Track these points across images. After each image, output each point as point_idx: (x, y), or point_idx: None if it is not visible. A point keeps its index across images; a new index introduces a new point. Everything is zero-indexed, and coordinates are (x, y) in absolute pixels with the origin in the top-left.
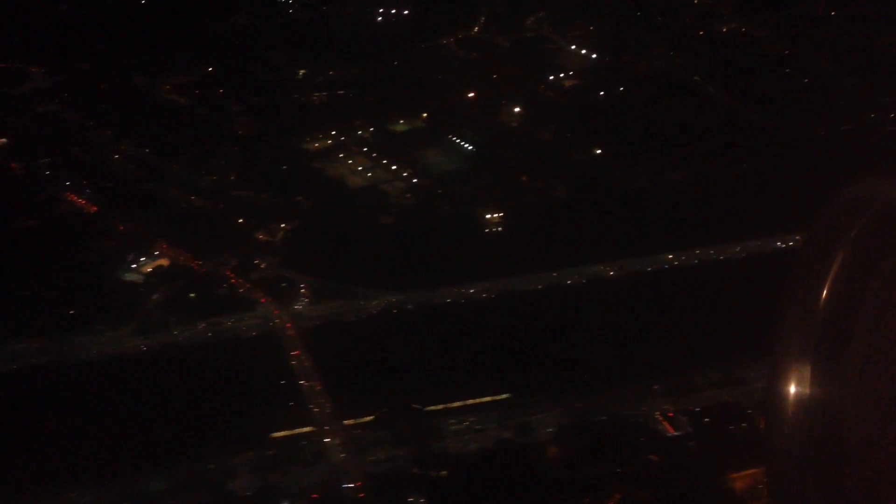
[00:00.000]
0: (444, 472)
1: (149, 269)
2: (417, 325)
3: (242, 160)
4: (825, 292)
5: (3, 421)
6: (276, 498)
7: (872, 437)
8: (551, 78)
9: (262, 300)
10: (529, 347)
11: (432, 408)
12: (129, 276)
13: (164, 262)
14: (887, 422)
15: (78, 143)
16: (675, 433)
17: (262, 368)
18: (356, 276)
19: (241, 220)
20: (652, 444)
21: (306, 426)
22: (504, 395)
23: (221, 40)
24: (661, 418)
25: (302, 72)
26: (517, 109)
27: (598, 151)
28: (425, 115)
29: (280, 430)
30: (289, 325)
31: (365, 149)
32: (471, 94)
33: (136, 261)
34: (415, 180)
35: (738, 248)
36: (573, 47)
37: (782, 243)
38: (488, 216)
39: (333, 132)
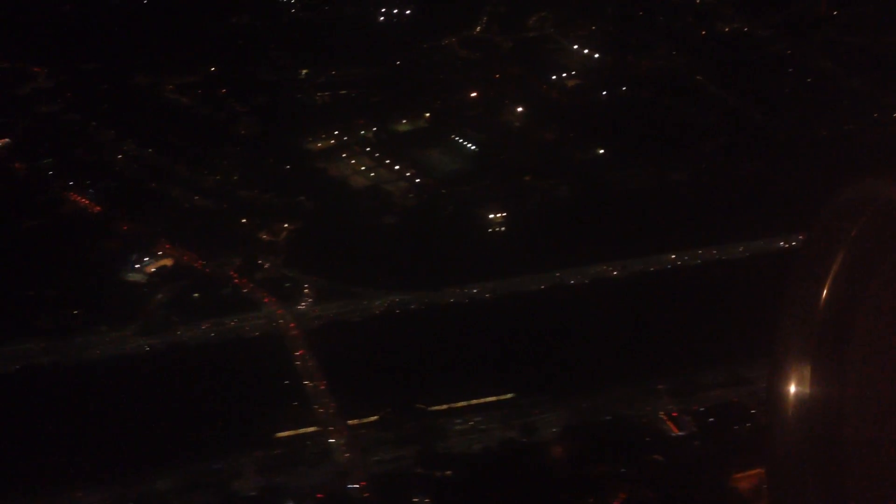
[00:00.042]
0: (448, 472)
1: (152, 270)
2: (421, 324)
3: (245, 160)
4: (825, 292)
5: (8, 421)
6: (280, 498)
7: (872, 437)
8: (554, 78)
9: (266, 300)
10: (533, 347)
11: (436, 408)
12: (133, 277)
13: (167, 262)
14: (887, 422)
15: (81, 143)
16: (680, 433)
17: (266, 368)
18: (360, 275)
19: (244, 220)
20: (656, 444)
21: (311, 426)
22: (508, 395)
23: (224, 40)
24: (665, 418)
25: (305, 72)
26: (520, 109)
27: (601, 151)
28: (428, 115)
29: (284, 431)
30: (292, 325)
31: (368, 149)
32: (473, 94)
33: (140, 261)
34: (418, 180)
35: (741, 248)
36: (575, 47)
37: (785, 243)
38: (491, 216)
39: (336, 132)
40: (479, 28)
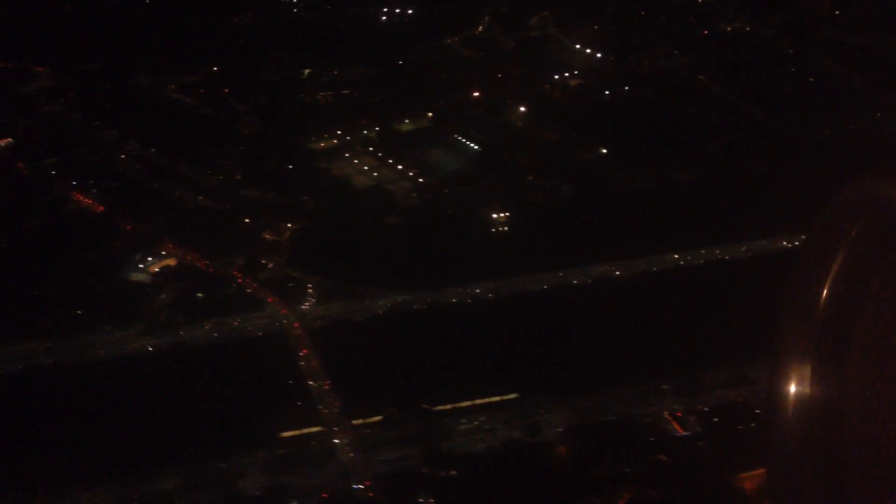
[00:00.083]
0: (452, 472)
1: (156, 269)
2: (425, 324)
3: (248, 160)
4: (825, 292)
5: (12, 421)
6: (285, 498)
7: (872, 437)
8: (556, 77)
9: (270, 300)
10: (537, 347)
11: (441, 407)
12: (136, 276)
13: (170, 261)
14: (887, 422)
15: (84, 143)
16: (684, 433)
17: (270, 368)
18: (363, 275)
19: (247, 220)
20: (660, 443)
21: (315, 426)
22: (512, 395)
23: (227, 40)
24: (669, 418)
25: (307, 71)
26: (522, 109)
27: (604, 151)
28: (430, 114)
29: (288, 430)
30: (296, 324)
31: (370, 148)
32: (476, 94)
33: (143, 261)
34: (420, 180)
35: (743, 248)
36: (577, 47)
37: (788, 243)
38: (494, 216)
39: (339, 132)
40: (481, 28)
